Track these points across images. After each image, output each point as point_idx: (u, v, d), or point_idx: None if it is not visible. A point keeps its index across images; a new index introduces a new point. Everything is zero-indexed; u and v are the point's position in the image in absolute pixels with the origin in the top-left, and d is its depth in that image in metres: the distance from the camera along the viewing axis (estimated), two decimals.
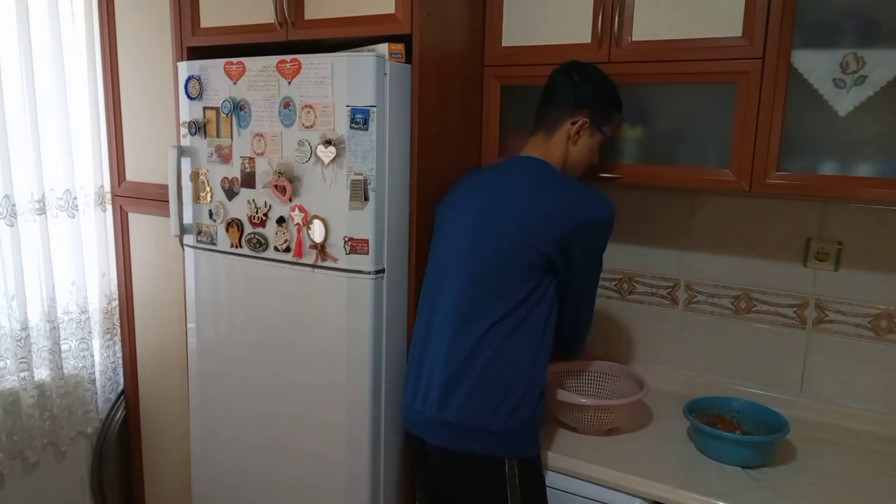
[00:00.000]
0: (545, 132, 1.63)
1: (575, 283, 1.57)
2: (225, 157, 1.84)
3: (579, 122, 1.59)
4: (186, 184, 1.95)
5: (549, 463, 1.59)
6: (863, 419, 1.76)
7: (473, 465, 1.52)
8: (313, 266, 1.72)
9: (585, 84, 1.60)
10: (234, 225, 1.85)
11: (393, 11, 1.65)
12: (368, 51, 1.66)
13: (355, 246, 1.65)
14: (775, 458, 1.56)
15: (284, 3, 1.79)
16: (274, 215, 1.76)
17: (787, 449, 1.62)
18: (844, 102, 1.46)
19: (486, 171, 1.69)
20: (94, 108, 2.33)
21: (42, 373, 2.26)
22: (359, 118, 1.60)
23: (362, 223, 1.64)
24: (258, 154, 1.77)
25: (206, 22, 1.96)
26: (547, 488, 1.57)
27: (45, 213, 2.19)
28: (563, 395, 1.68)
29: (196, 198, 1.93)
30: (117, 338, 2.46)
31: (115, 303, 2.42)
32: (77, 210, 2.30)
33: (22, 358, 2.17)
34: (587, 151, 1.64)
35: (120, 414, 2.48)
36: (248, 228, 1.82)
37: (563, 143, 1.62)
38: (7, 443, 2.17)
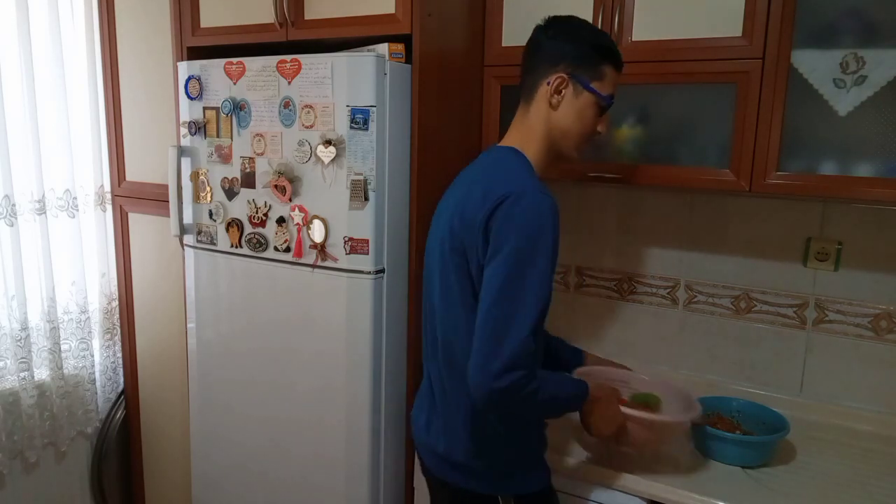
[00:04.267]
0: (524, 103, 1.40)
1: (489, 265, 1.23)
2: (225, 157, 1.84)
3: (554, 80, 1.34)
4: (186, 184, 1.95)
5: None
6: (863, 419, 1.76)
7: (464, 498, 1.38)
8: (313, 266, 1.72)
9: (560, 34, 1.36)
10: (234, 225, 1.85)
11: (393, 11, 1.65)
12: (368, 51, 1.66)
13: (355, 246, 1.65)
14: (775, 458, 1.56)
15: (284, 3, 1.79)
16: (274, 215, 1.76)
17: (788, 449, 1.62)
18: (844, 102, 1.46)
19: (465, 169, 1.47)
20: (94, 108, 2.33)
21: (42, 373, 2.26)
22: (359, 118, 1.60)
23: (362, 223, 1.64)
24: (258, 154, 1.77)
25: (206, 22, 1.96)
26: None
27: (45, 213, 2.19)
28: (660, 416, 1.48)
29: (196, 198, 1.93)
30: (117, 338, 2.46)
31: (115, 303, 2.42)
32: (77, 210, 2.30)
33: (22, 358, 2.17)
34: (575, 116, 1.36)
35: (120, 414, 2.48)
36: (248, 228, 1.82)
37: (544, 112, 1.37)
38: (7, 443, 2.17)
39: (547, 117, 1.37)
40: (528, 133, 1.38)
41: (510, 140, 1.40)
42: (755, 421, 1.63)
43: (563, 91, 1.35)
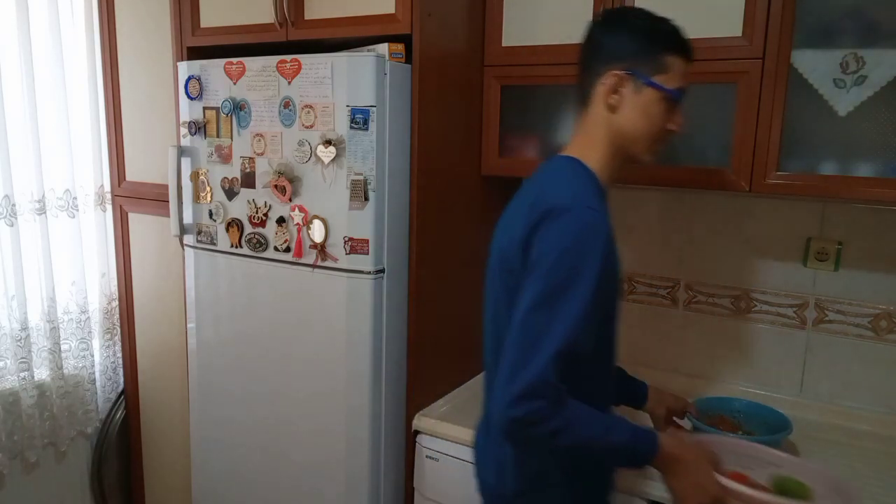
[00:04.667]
0: (583, 107, 1.27)
1: (524, 284, 1.13)
2: (225, 157, 1.84)
3: (608, 79, 1.21)
4: (186, 184, 1.95)
5: None
6: (863, 419, 1.75)
7: None
8: (313, 266, 1.72)
9: (613, 27, 1.23)
10: (234, 225, 1.85)
11: (393, 11, 1.65)
12: (368, 51, 1.66)
13: (355, 246, 1.65)
14: None
15: (284, 3, 1.79)
16: (274, 215, 1.76)
17: (788, 448, 1.61)
18: (844, 102, 1.46)
19: (525, 180, 1.35)
20: (94, 108, 2.33)
21: (42, 373, 2.26)
22: (359, 118, 1.60)
23: (362, 223, 1.64)
24: (258, 154, 1.77)
25: (206, 22, 1.96)
26: None
27: (45, 213, 2.19)
28: None
29: (196, 198, 1.93)
30: (117, 338, 2.46)
31: (115, 303, 2.42)
32: (77, 210, 2.30)
33: (22, 358, 2.17)
34: (639, 116, 1.21)
35: (120, 414, 2.48)
36: (248, 228, 1.82)
37: (602, 115, 1.23)
38: (7, 443, 2.17)
39: (607, 121, 1.23)
40: (588, 140, 1.26)
41: (570, 148, 1.28)
42: (757, 421, 1.63)
43: (621, 90, 1.21)
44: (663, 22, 1.23)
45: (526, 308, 1.09)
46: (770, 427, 1.59)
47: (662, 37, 1.21)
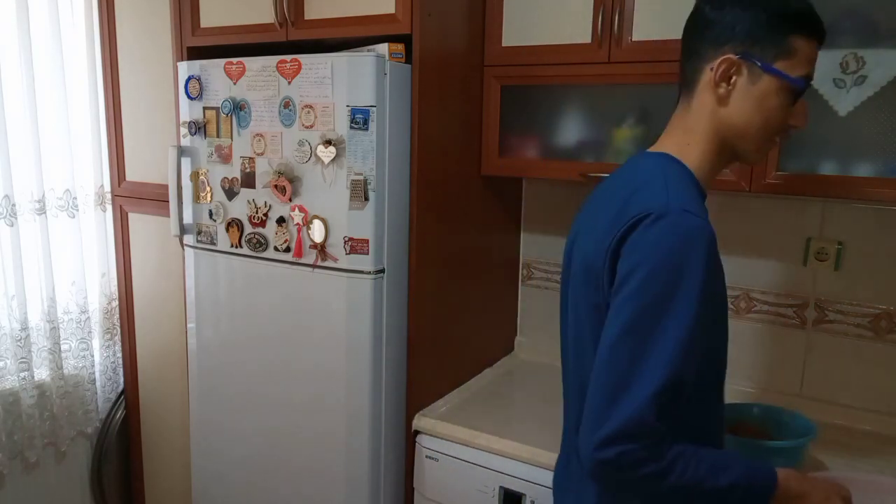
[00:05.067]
0: (684, 98, 1.12)
1: (613, 304, 0.99)
2: (225, 157, 1.84)
3: (719, 64, 1.04)
4: (186, 184, 1.95)
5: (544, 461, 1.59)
6: (863, 419, 1.75)
7: None
8: (313, 266, 1.72)
9: (729, 2, 1.05)
10: (234, 225, 1.85)
11: (393, 11, 1.65)
12: (368, 51, 1.66)
13: (355, 246, 1.65)
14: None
15: (284, 3, 1.79)
16: (274, 215, 1.76)
17: (810, 454, 1.60)
18: (844, 102, 1.46)
19: (606, 179, 1.19)
20: (94, 108, 2.33)
21: (42, 373, 2.26)
22: (359, 118, 1.60)
23: (362, 223, 1.64)
24: (258, 154, 1.77)
25: (206, 22, 1.96)
26: (541, 487, 1.56)
27: (45, 213, 2.19)
28: None
29: (196, 198, 1.93)
30: (117, 338, 2.46)
31: (115, 303, 2.42)
32: (77, 210, 2.30)
33: (22, 358, 2.17)
34: (753, 109, 1.05)
35: (120, 414, 2.48)
36: (248, 228, 1.82)
37: (710, 106, 1.07)
38: (7, 443, 2.17)
39: (714, 113, 1.07)
40: (688, 134, 1.10)
41: (665, 144, 1.12)
42: (779, 425, 1.57)
43: (735, 78, 1.04)
44: None
45: (615, 334, 0.95)
46: (793, 431, 1.53)
47: (792, 14, 1.03)
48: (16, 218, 2.10)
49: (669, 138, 1.13)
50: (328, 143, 1.63)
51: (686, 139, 1.10)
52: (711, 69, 1.05)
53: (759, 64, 1.03)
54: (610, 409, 0.92)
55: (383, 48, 1.64)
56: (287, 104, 1.70)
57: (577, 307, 1.11)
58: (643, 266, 0.94)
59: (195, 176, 1.92)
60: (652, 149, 1.14)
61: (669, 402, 0.91)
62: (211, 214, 1.90)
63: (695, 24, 1.09)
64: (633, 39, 1.65)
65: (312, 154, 1.67)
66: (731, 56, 1.04)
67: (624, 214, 1.00)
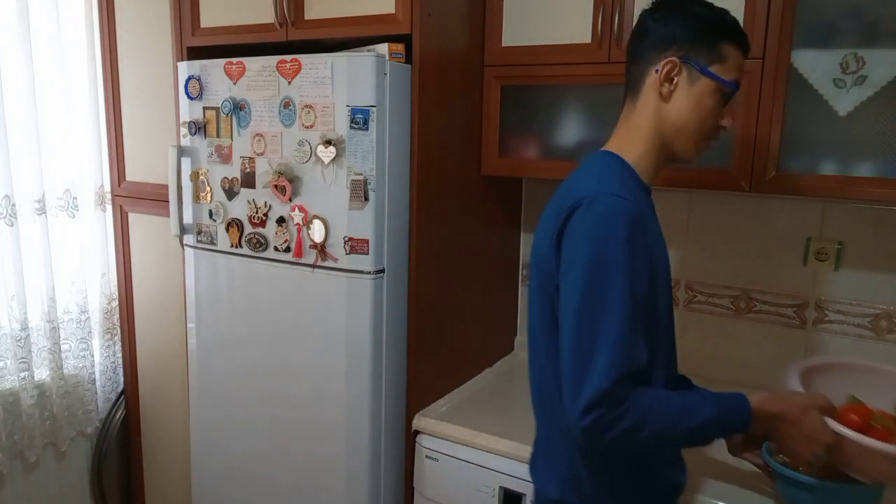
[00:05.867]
0: (630, 100, 1.23)
1: (561, 294, 1.12)
2: (225, 157, 1.84)
3: (664, 66, 1.16)
4: (186, 184, 1.95)
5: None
6: None
7: None
8: (313, 266, 1.72)
9: (669, 14, 1.18)
10: (234, 225, 1.85)
11: (393, 11, 1.65)
12: (368, 51, 1.66)
13: (355, 246, 1.65)
14: None
15: (284, 3, 1.79)
16: (274, 215, 1.76)
17: None
18: (844, 102, 1.46)
19: (565, 179, 1.28)
20: (94, 108, 2.33)
21: (42, 373, 2.26)
22: (359, 118, 1.60)
23: (362, 223, 1.64)
24: (258, 154, 1.77)
25: (206, 22, 1.96)
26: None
27: (45, 213, 2.19)
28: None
29: (196, 198, 1.93)
30: (117, 338, 2.46)
31: (115, 303, 2.42)
32: (77, 210, 2.30)
33: (22, 358, 2.17)
34: (691, 107, 1.17)
35: (120, 414, 2.48)
36: (248, 228, 1.82)
37: (653, 105, 1.19)
38: (7, 443, 2.17)
39: (657, 111, 1.19)
40: (631, 133, 1.21)
41: (610, 144, 1.24)
42: None
43: (676, 78, 1.16)
44: (722, 11, 1.19)
45: (571, 322, 1.07)
46: None
47: (721, 26, 1.17)
48: (16, 218, 2.10)
49: (615, 138, 1.24)
50: (328, 143, 1.63)
51: (629, 136, 1.22)
52: (657, 71, 1.18)
53: (697, 67, 1.16)
54: (580, 387, 1.04)
55: (383, 48, 1.64)
56: (287, 104, 1.70)
57: (533, 292, 1.22)
58: (578, 252, 1.07)
59: (195, 176, 1.92)
60: (602, 149, 1.24)
61: (624, 369, 1.03)
62: (211, 214, 1.90)
63: (640, 33, 1.22)
64: None
65: (312, 154, 1.67)
66: (673, 58, 1.16)
67: (563, 205, 1.12)
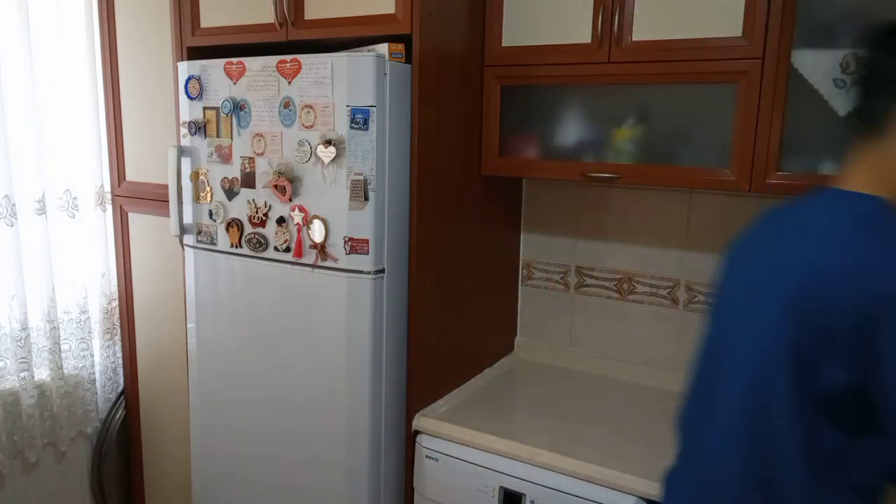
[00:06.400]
0: (870, 134, 1.08)
1: (887, 403, 0.95)
2: (225, 157, 1.84)
3: None
4: (186, 184, 1.95)
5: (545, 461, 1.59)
6: None
7: None
8: (313, 266, 1.72)
9: None
10: (234, 225, 1.85)
11: (393, 11, 1.65)
12: (368, 51, 1.66)
13: (355, 246, 1.65)
14: None
15: (284, 3, 1.79)
16: (274, 215, 1.76)
17: None
18: (844, 102, 1.46)
19: (787, 210, 1.17)
20: (94, 108, 2.33)
21: (42, 373, 2.26)
22: (359, 118, 1.60)
23: (362, 223, 1.64)
24: (258, 154, 1.77)
25: (206, 22, 1.96)
26: (541, 486, 1.56)
27: (45, 213, 2.19)
28: None
29: (196, 198, 1.93)
30: (117, 338, 2.46)
31: (115, 303, 2.42)
32: (77, 210, 2.30)
33: (22, 358, 2.17)
34: None
35: (120, 414, 2.48)
36: (248, 228, 1.82)
37: None
38: (7, 443, 2.17)
39: None
40: (881, 178, 1.06)
41: (861, 183, 1.07)
42: None
43: None
44: None
45: None
46: None
47: None
48: (16, 218, 2.10)
49: (864, 176, 1.08)
50: (328, 143, 1.64)
51: (886, 182, 1.06)
52: None
53: None
54: None
55: (383, 48, 1.64)
56: (287, 104, 1.70)
57: (768, 366, 1.06)
58: None
59: (195, 176, 1.92)
60: (845, 184, 1.09)
61: None
62: (211, 214, 1.90)
63: (873, 69, 1.09)
64: (633, 39, 1.66)
65: (312, 154, 1.67)
66: None
67: (865, 280, 0.96)
